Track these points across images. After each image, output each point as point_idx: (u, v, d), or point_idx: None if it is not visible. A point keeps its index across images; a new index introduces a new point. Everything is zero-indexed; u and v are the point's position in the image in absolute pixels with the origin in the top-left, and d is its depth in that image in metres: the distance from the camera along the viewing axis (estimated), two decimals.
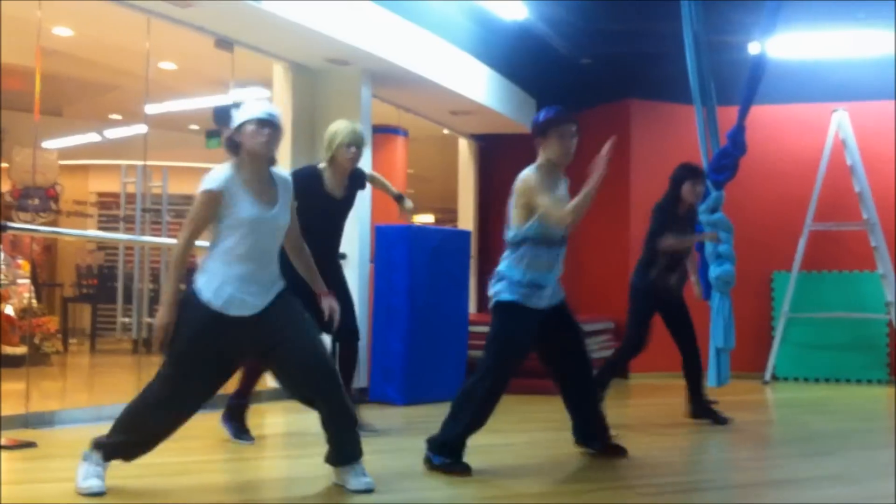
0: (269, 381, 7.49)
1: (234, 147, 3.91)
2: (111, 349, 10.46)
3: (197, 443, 5.43)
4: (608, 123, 10.65)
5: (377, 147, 8.67)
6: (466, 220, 11.18)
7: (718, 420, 6.30)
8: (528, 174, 4.68)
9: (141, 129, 7.89)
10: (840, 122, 9.98)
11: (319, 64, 7.65)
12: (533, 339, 4.71)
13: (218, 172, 3.86)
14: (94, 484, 3.81)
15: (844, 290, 9.99)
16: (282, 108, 7.76)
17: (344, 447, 3.99)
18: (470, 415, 4.53)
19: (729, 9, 9.10)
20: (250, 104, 3.96)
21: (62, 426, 5.53)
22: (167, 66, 8.68)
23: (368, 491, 3.89)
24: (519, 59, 10.16)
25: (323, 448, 4.05)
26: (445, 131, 10.92)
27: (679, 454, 5.15)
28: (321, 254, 5.16)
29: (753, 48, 8.38)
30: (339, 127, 5.35)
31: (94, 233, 8.45)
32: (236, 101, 8.42)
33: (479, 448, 5.37)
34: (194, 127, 11.28)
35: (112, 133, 12.08)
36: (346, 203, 5.50)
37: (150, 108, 8.35)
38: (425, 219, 16.15)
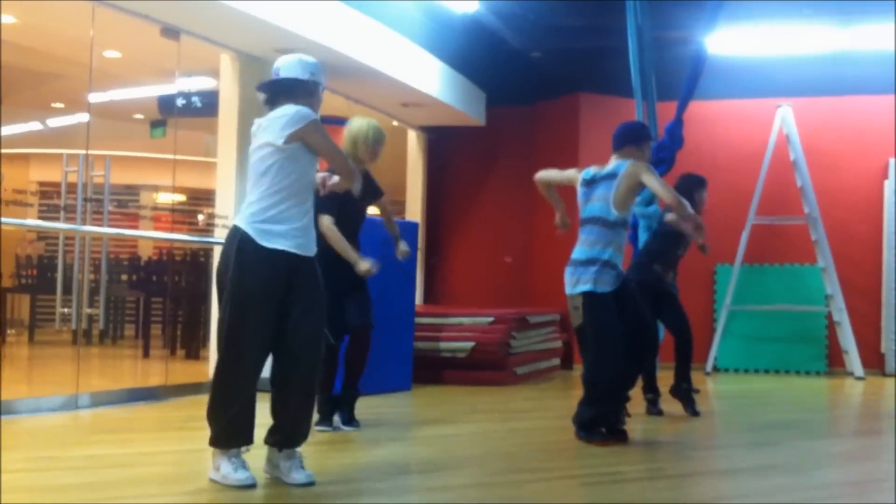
0: (210, 373, 7.43)
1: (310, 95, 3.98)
2: (50, 340, 10.29)
3: (139, 435, 5.38)
4: (558, 117, 10.75)
5: None
6: (414, 212, 11.16)
7: (690, 409, 6.45)
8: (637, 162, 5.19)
9: (83, 117, 7.77)
10: (784, 117, 10.14)
11: (268, 54, 7.57)
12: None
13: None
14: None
15: (786, 284, 10.16)
16: (228, 98, 7.68)
17: (290, 431, 3.94)
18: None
19: (675, 5, 9.19)
20: (311, 63, 3.99)
21: None
22: (112, 54, 8.54)
23: (310, 484, 3.85)
24: (470, 52, 10.16)
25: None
26: (395, 123, 10.89)
27: (623, 444, 5.19)
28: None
29: (696, 44, 8.48)
30: (363, 125, 5.42)
31: (33, 222, 8.27)
32: (181, 90, 8.33)
33: (426, 438, 5.38)
34: (139, 116, 11.11)
35: (54, 122, 11.86)
36: (362, 202, 5.51)
37: (94, 97, 8.21)
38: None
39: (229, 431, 3.85)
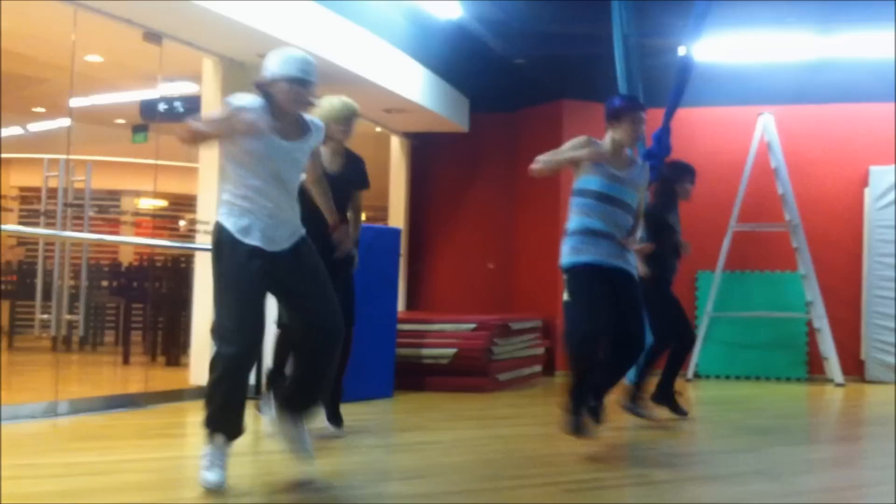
0: (190, 380, 7.41)
1: (265, 95, 3.86)
2: (29, 347, 10.23)
3: (118, 442, 5.34)
4: (542, 123, 10.77)
5: None
6: (397, 218, 11.16)
7: (678, 412, 6.51)
8: (579, 138, 5.05)
9: (65, 122, 7.74)
10: (765, 125, 10.20)
11: (251, 59, 7.55)
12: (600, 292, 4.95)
13: (249, 98, 3.81)
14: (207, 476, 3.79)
15: (767, 290, 10.21)
16: (211, 103, 7.65)
17: (300, 403, 4.00)
18: None
19: (660, 12, 9.22)
20: (286, 55, 3.88)
21: None
22: (94, 58, 8.50)
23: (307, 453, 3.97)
24: (453, 57, 10.17)
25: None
26: (378, 129, 10.89)
27: (605, 450, 5.19)
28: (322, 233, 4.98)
29: (681, 51, 8.50)
30: (334, 103, 5.42)
31: (13, 227, 8.24)
32: (164, 95, 8.30)
33: (407, 445, 5.38)
34: (120, 121, 11.07)
35: (35, 126, 11.80)
36: (342, 180, 5.40)
37: (76, 102, 8.18)
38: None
39: (212, 419, 3.84)
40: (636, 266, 5.19)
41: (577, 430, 4.91)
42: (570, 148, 5.03)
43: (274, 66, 3.87)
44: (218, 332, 3.79)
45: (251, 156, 3.80)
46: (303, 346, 3.98)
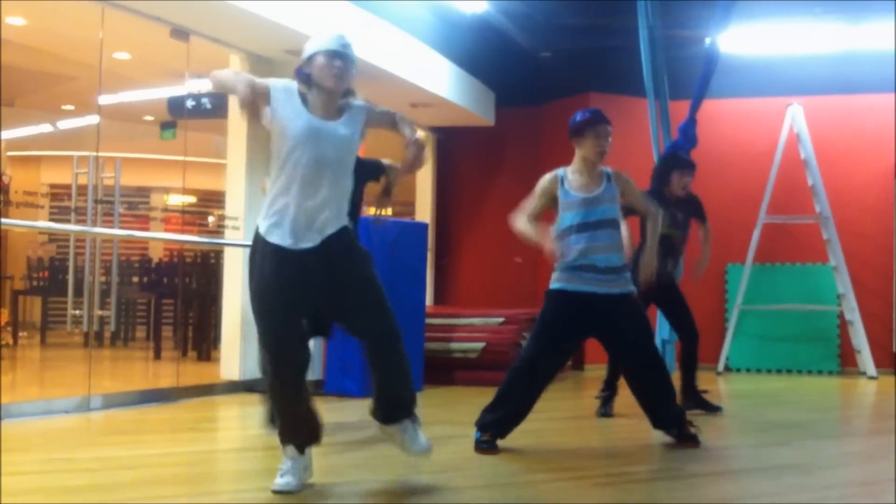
0: (221, 375, 7.45)
1: (304, 78, 3.75)
2: (62, 342, 10.32)
3: (150, 436, 5.38)
4: (568, 117, 10.70)
5: None
6: (424, 212, 11.16)
7: (710, 409, 6.44)
8: (546, 176, 5.21)
9: (94, 119, 7.80)
10: (794, 116, 10.11)
11: (277, 55, 7.58)
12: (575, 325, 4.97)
13: (283, 81, 3.74)
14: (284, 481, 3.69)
15: (797, 283, 10.12)
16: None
17: (392, 403, 3.91)
18: None
19: (685, 3, 9.17)
20: (322, 34, 3.79)
21: (11, 419, 5.43)
22: (121, 55, 8.56)
23: (426, 451, 3.94)
24: (479, 52, 10.15)
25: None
26: None
27: (636, 444, 5.18)
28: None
29: (707, 43, 8.46)
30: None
31: (43, 224, 8.28)
32: (191, 92, 8.34)
33: (436, 439, 5.36)
34: (149, 118, 11.14)
35: (65, 124, 11.90)
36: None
37: (104, 99, 8.23)
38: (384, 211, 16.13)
39: (286, 430, 3.77)
40: (629, 281, 5.03)
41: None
42: (537, 195, 5.14)
43: (311, 44, 3.78)
44: (262, 345, 3.73)
45: (287, 137, 3.65)
46: (369, 354, 3.93)
